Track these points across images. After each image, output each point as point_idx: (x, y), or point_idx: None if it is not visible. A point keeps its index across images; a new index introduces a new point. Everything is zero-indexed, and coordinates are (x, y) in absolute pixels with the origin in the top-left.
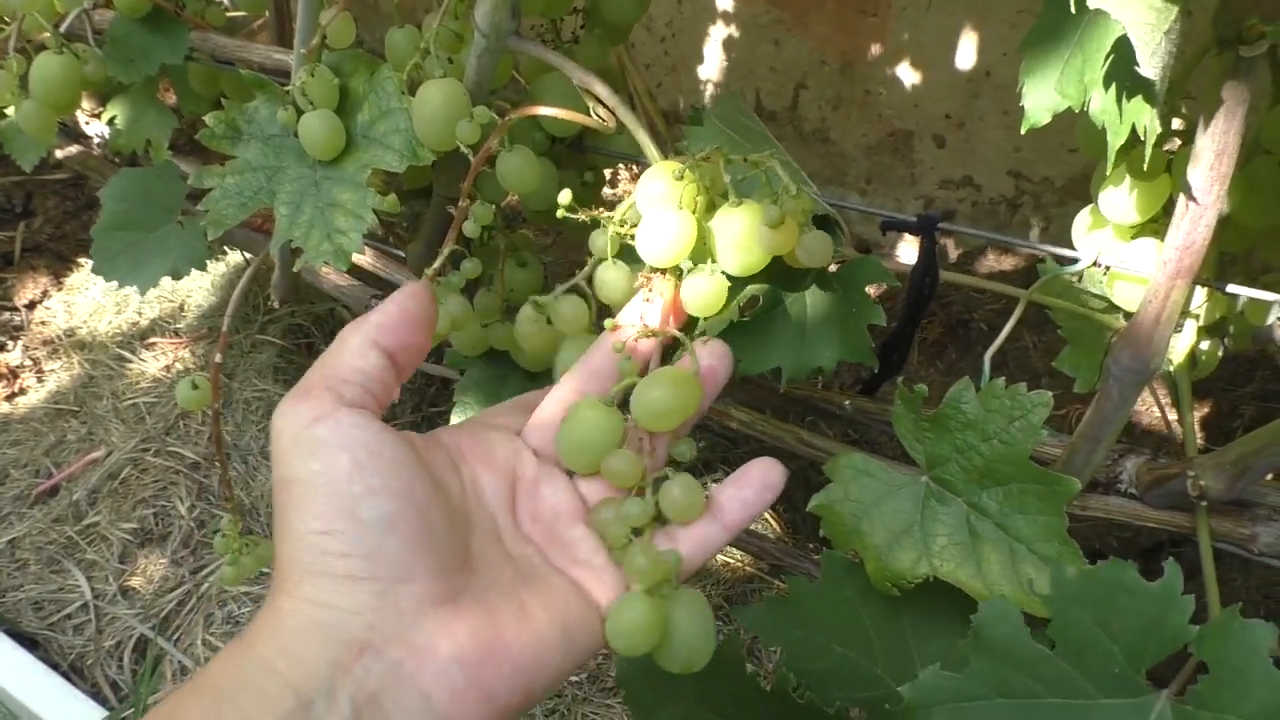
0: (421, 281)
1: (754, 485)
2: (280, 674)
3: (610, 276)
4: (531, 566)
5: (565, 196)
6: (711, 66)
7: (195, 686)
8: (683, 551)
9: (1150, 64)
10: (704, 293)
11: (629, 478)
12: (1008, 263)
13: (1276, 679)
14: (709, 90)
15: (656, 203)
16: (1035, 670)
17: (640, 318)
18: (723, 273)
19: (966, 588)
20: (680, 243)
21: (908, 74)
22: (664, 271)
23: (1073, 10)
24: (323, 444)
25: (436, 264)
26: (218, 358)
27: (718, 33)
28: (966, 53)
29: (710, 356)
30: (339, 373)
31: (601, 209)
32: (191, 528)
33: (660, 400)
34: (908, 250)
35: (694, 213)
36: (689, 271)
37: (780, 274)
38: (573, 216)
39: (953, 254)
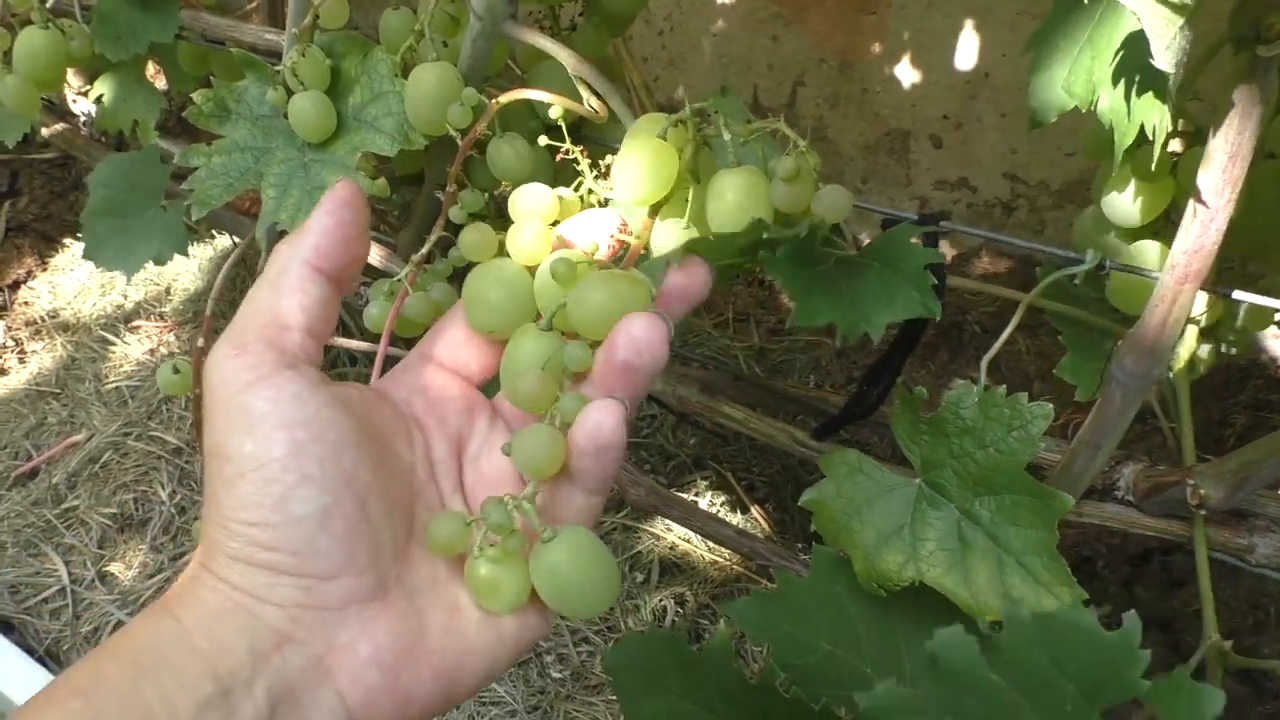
0: (345, 181)
1: (588, 452)
2: (201, 654)
3: (524, 195)
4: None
5: (556, 111)
6: (709, 62)
7: (115, 651)
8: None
9: (1164, 57)
10: (675, 243)
11: (538, 400)
12: (1002, 265)
13: None
14: (706, 86)
15: (638, 136)
16: (988, 698)
17: (592, 247)
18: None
19: (952, 595)
20: (659, 175)
21: (906, 73)
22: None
23: (1085, 1)
24: (260, 418)
25: (424, 250)
26: (200, 342)
27: (715, 28)
28: (966, 53)
29: (686, 274)
30: (280, 316)
31: (581, 149)
32: (172, 514)
33: (601, 303)
34: None
35: (680, 153)
36: (660, 222)
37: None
38: (555, 144)
39: (947, 256)
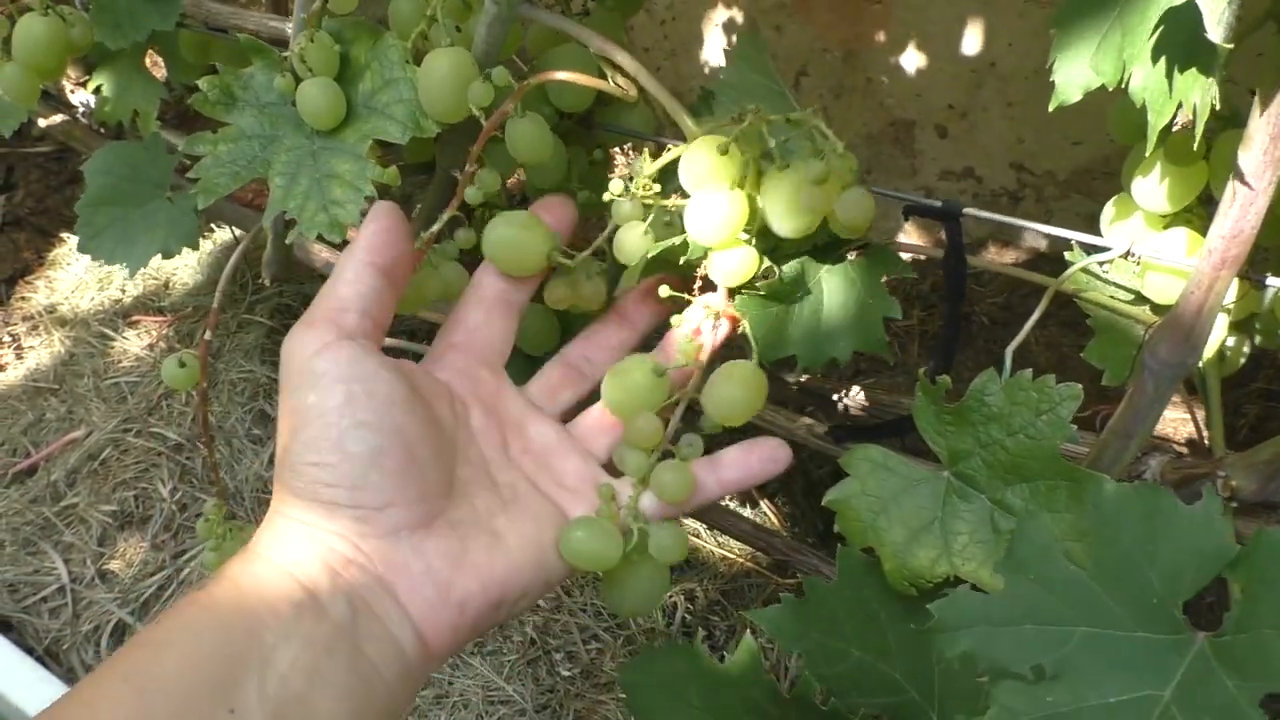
0: (384, 202)
1: (760, 455)
2: (288, 573)
3: (629, 238)
4: (515, 493)
5: (617, 186)
6: (711, 51)
7: (217, 581)
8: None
9: (1217, 30)
10: (737, 266)
11: (649, 440)
12: (1009, 256)
13: None
14: (709, 76)
15: (704, 180)
16: (1069, 594)
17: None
18: (771, 241)
19: (989, 588)
20: (732, 222)
21: (910, 63)
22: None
23: None
24: (321, 376)
25: (435, 228)
26: (207, 335)
27: (718, 17)
28: (971, 42)
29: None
30: (339, 301)
31: (643, 188)
32: (173, 511)
33: (736, 398)
34: (905, 240)
35: (744, 189)
36: (718, 249)
37: (815, 247)
38: (620, 198)
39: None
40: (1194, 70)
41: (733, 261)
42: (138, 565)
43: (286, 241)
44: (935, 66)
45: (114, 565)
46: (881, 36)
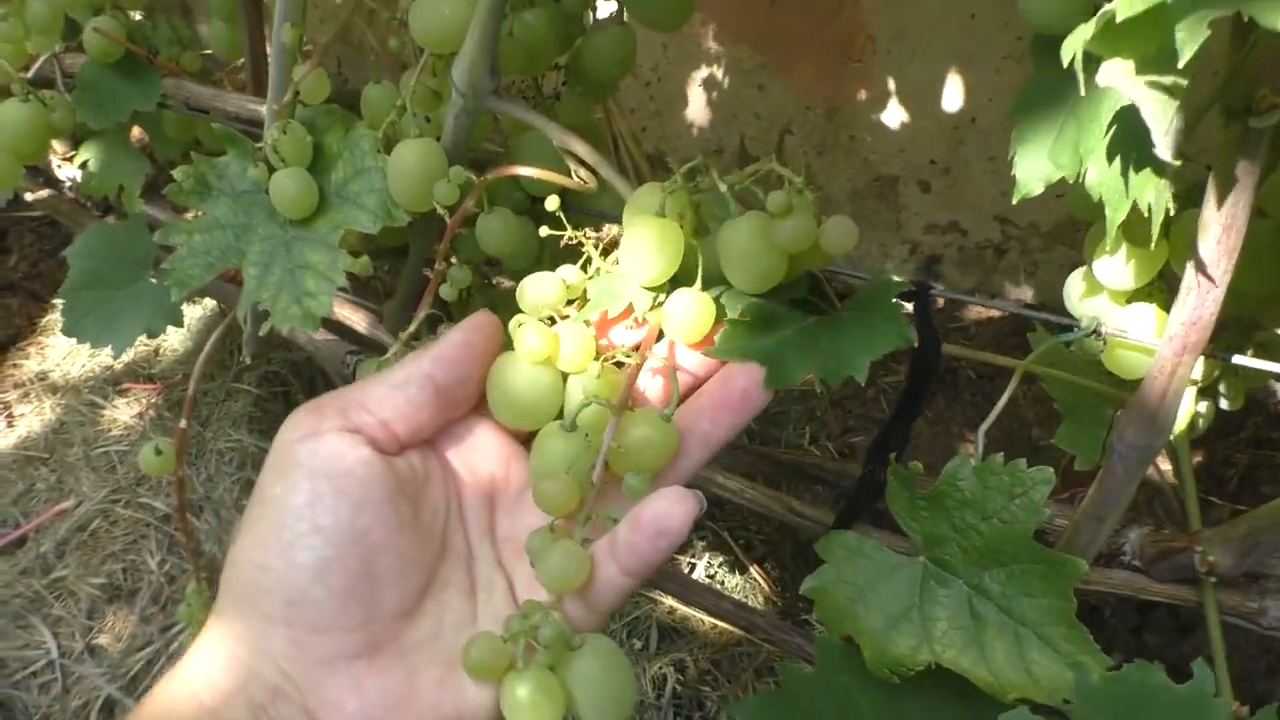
0: (486, 313)
1: (645, 531)
2: (207, 709)
3: (532, 285)
4: (490, 600)
5: (553, 203)
6: (696, 111)
7: (139, 717)
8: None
9: (1164, 144)
10: (689, 312)
11: (558, 504)
12: (995, 310)
13: None
14: (694, 135)
15: (642, 215)
16: None
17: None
18: (723, 292)
19: (970, 675)
20: (668, 254)
21: (893, 120)
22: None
23: (1082, 90)
24: (295, 466)
25: (411, 328)
26: (183, 423)
27: (702, 77)
28: (952, 98)
29: (745, 378)
30: (365, 399)
31: (585, 231)
32: (162, 583)
33: (646, 443)
34: None
35: (683, 226)
36: (671, 293)
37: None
38: (556, 234)
39: (939, 300)
40: (1148, 171)
41: (684, 306)
42: (126, 639)
43: (260, 334)
44: (917, 123)
45: (103, 639)
46: (863, 94)
